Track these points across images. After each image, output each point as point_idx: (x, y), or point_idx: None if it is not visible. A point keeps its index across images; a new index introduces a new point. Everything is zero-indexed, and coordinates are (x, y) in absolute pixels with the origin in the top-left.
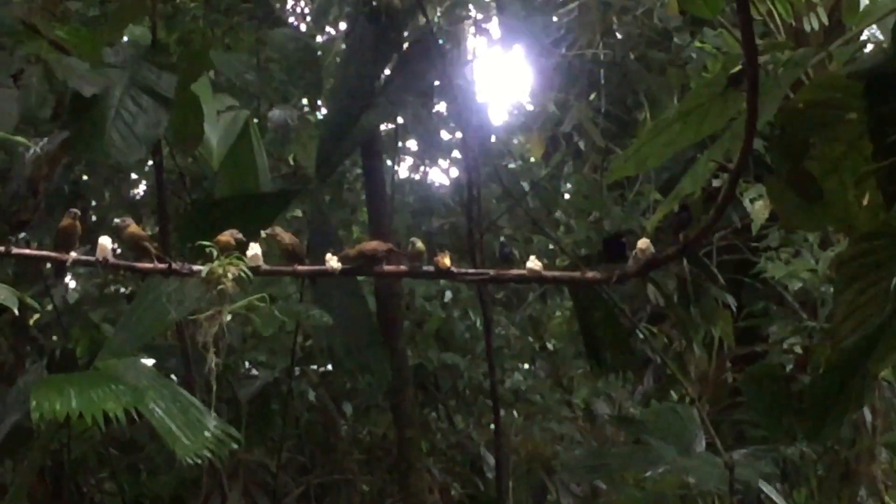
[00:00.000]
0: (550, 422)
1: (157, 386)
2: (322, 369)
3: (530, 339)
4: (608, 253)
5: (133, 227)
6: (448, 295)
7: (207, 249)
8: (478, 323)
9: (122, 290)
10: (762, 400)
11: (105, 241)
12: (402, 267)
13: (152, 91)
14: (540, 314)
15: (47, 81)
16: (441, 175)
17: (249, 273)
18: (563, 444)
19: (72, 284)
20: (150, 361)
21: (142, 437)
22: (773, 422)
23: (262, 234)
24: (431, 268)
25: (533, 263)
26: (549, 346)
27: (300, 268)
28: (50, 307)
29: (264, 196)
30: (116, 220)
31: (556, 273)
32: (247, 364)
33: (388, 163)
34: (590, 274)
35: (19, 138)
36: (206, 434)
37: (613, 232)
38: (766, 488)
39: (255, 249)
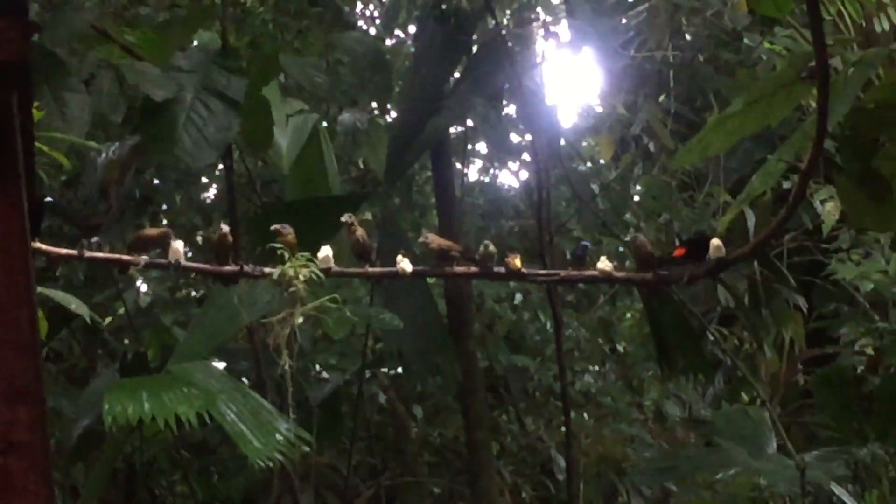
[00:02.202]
0: (621, 424)
1: (229, 389)
2: (392, 372)
3: (600, 341)
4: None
5: (220, 233)
6: (518, 297)
7: (279, 251)
8: (548, 325)
9: (194, 293)
10: (833, 401)
11: (177, 245)
12: (473, 268)
13: (223, 95)
14: (610, 316)
15: (119, 86)
16: (510, 177)
17: (321, 274)
18: (634, 447)
19: (143, 288)
20: (221, 364)
21: (213, 439)
22: (844, 423)
23: (343, 218)
24: (502, 269)
25: (603, 264)
26: (620, 348)
27: (371, 269)
28: (122, 311)
29: (334, 199)
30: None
31: (627, 273)
32: (317, 367)
33: (458, 165)
34: (660, 274)
35: (90, 143)
36: (278, 437)
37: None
38: (838, 490)
39: (325, 251)
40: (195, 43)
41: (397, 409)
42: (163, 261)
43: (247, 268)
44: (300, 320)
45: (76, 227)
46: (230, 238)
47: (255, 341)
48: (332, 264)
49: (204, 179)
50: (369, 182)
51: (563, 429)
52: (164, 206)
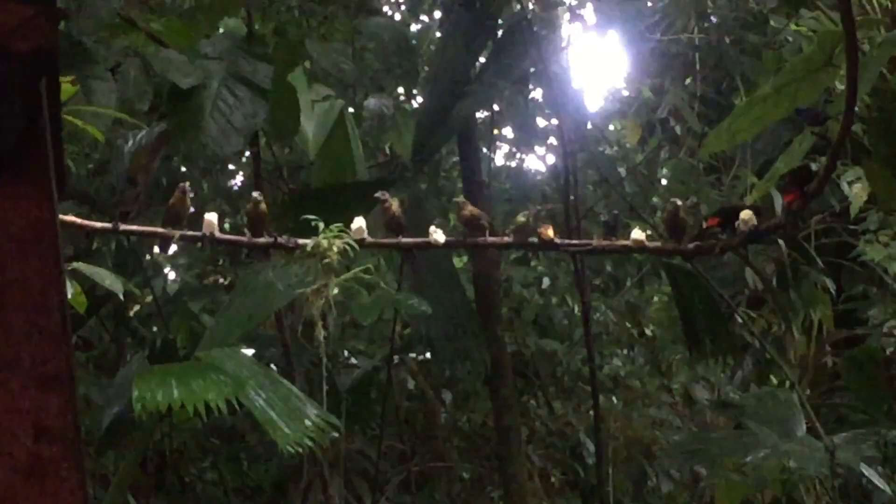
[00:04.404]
0: (649, 407)
1: (258, 375)
2: (421, 357)
3: (628, 324)
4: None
5: (261, 207)
6: (546, 281)
7: (313, 223)
8: (576, 309)
9: (222, 280)
10: (862, 383)
11: (211, 217)
12: (506, 238)
13: (249, 82)
14: (638, 300)
15: (145, 74)
16: (537, 162)
17: (355, 245)
18: (663, 430)
19: (171, 276)
20: (250, 351)
21: (243, 426)
22: (873, 405)
23: (377, 194)
24: (535, 239)
25: (637, 234)
26: (648, 331)
27: (404, 240)
28: (150, 298)
29: (361, 185)
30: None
31: (659, 244)
32: (346, 353)
33: (484, 150)
34: (692, 245)
35: (123, 115)
36: (307, 423)
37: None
38: (868, 472)
39: (359, 222)
40: (221, 30)
41: (426, 394)
42: (197, 233)
43: (280, 239)
44: (335, 291)
45: (104, 215)
46: (263, 206)
47: (283, 328)
48: (365, 235)
49: (231, 166)
50: (396, 167)
51: (591, 413)
52: (192, 194)
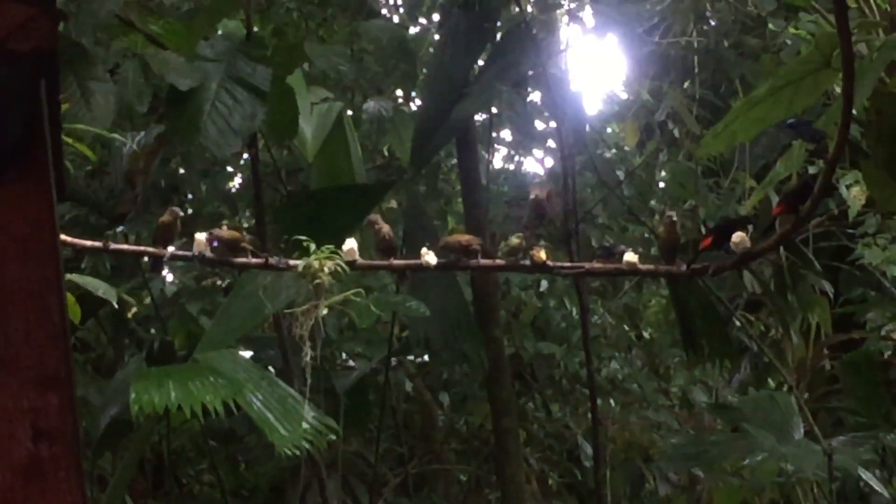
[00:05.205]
0: (647, 410)
1: (256, 377)
2: (419, 360)
3: (626, 327)
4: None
5: (228, 233)
6: (544, 284)
7: (304, 243)
8: (574, 312)
9: (220, 282)
10: (860, 387)
11: (201, 237)
12: (498, 260)
13: (247, 84)
14: (636, 303)
15: (143, 76)
16: (535, 164)
17: (346, 267)
18: (661, 433)
19: (169, 278)
20: (247, 353)
21: (240, 428)
22: (871, 408)
23: (367, 217)
24: (527, 261)
25: (630, 256)
26: (646, 334)
27: (396, 262)
28: (148, 300)
29: (359, 188)
30: (212, 231)
31: (652, 266)
32: (344, 355)
33: (483, 153)
34: (686, 267)
35: (115, 135)
36: (304, 425)
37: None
38: (866, 475)
39: (350, 243)
40: (220, 32)
41: (424, 396)
42: (187, 252)
43: (272, 260)
44: (325, 312)
45: (102, 216)
46: (227, 235)
47: (281, 330)
48: (356, 256)
49: (229, 168)
50: (394, 170)
51: (589, 415)
52: (190, 196)
